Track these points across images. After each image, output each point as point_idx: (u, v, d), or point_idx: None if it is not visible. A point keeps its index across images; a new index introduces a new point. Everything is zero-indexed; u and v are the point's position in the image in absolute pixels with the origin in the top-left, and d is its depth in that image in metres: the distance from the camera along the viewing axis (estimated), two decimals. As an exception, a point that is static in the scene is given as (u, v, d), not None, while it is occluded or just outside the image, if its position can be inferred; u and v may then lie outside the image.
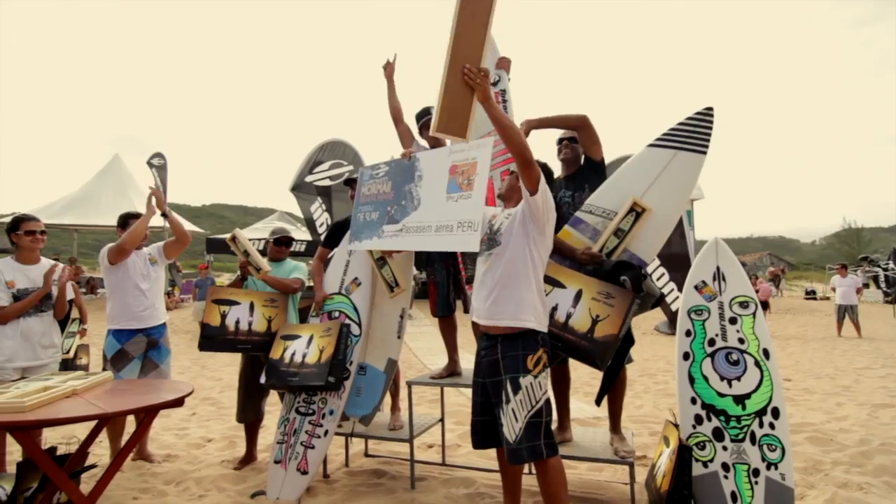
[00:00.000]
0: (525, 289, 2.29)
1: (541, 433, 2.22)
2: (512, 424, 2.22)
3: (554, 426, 3.02)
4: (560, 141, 3.15)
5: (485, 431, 2.41)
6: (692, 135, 2.81)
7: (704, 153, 2.81)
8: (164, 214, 3.68)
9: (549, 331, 2.46)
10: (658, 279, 6.34)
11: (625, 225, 2.80)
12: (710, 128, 2.80)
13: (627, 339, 2.72)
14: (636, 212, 2.79)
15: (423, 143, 3.45)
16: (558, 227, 3.03)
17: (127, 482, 3.21)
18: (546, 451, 2.21)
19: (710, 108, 2.84)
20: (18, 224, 3.20)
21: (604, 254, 2.79)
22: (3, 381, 2.85)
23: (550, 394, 3.01)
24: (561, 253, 2.87)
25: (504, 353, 2.28)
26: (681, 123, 2.85)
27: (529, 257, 2.31)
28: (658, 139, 2.87)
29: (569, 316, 2.60)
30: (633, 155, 2.97)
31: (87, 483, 2.85)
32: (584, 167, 3.10)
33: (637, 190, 2.82)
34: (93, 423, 2.60)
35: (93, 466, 3.02)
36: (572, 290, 2.65)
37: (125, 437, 3.57)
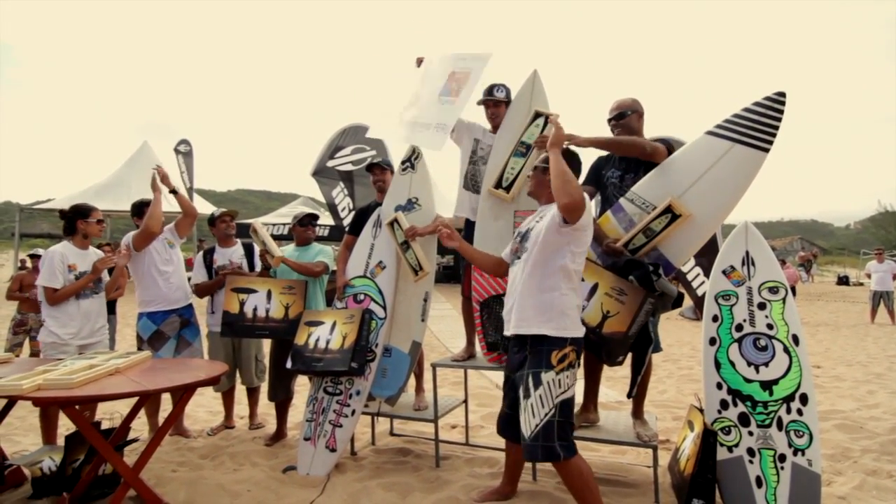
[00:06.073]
0: (550, 294, 2.23)
1: (555, 433, 2.15)
2: (529, 420, 2.17)
3: (576, 410, 3.03)
4: (609, 121, 2.85)
5: (512, 424, 2.38)
6: (755, 125, 2.37)
7: (767, 150, 2.37)
8: (172, 191, 3.75)
9: None
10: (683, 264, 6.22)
11: (656, 226, 2.54)
12: (779, 119, 2.35)
13: (645, 338, 2.61)
14: (672, 214, 2.50)
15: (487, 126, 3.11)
16: (602, 209, 2.90)
17: (165, 455, 3.37)
18: (562, 452, 2.15)
19: (782, 94, 2.34)
20: (89, 212, 3.42)
21: (628, 250, 2.61)
22: (63, 356, 3.03)
23: (579, 393, 2.90)
24: (595, 238, 2.74)
25: (532, 349, 2.27)
26: (746, 109, 2.42)
27: (559, 262, 2.23)
28: (718, 125, 2.47)
29: (581, 309, 2.53)
30: (690, 141, 2.61)
31: (128, 456, 3.00)
32: None
33: (681, 186, 2.51)
34: (133, 400, 2.73)
35: (135, 440, 3.18)
36: (589, 283, 2.57)
37: (162, 414, 3.74)
